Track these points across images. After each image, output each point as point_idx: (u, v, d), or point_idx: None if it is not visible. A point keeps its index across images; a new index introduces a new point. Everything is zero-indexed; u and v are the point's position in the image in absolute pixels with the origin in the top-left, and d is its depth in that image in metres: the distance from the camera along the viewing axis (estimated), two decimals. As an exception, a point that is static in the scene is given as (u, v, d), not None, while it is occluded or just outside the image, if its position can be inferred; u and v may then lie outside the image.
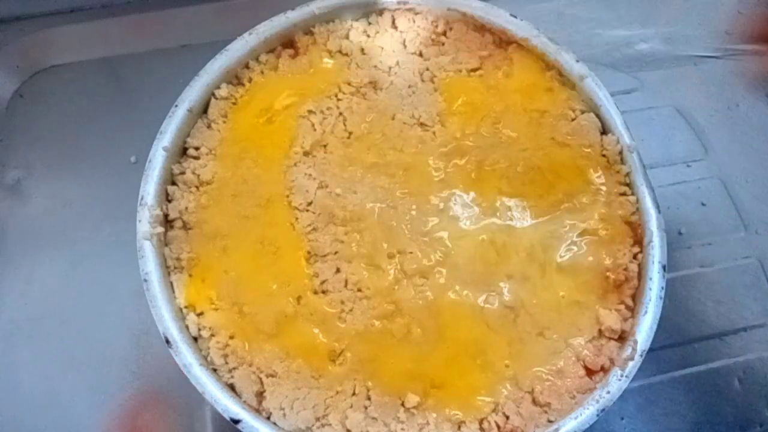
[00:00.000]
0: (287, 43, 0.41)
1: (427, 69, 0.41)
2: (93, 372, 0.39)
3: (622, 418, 0.40)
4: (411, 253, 0.36)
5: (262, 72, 0.40)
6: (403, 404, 0.33)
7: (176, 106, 0.37)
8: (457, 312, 0.35)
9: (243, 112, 0.39)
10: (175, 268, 0.35)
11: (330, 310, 0.35)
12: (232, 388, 0.33)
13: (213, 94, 0.39)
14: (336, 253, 0.36)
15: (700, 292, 0.41)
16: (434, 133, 0.39)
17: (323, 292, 0.35)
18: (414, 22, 0.42)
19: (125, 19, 0.48)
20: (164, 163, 0.36)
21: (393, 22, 0.42)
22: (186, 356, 0.33)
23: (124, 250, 0.40)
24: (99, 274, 0.42)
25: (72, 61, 0.48)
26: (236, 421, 0.31)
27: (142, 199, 0.35)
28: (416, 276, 0.36)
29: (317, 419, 0.33)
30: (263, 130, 0.38)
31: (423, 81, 0.41)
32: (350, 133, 0.39)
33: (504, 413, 0.33)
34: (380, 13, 0.42)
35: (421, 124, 0.39)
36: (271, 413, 0.33)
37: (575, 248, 0.36)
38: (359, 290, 0.35)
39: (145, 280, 0.34)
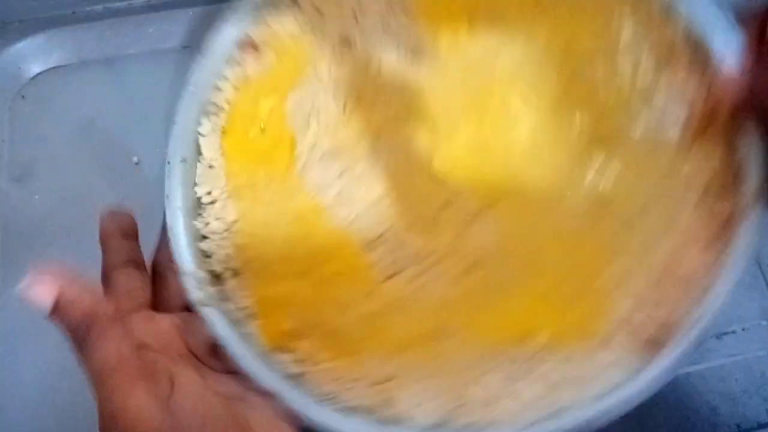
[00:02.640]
0: (244, 44, 0.38)
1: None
2: None
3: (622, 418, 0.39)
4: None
5: (235, 88, 0.38)
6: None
7: (169, 162, 0.36)
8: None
9: (234, 136, 0.37)
10: (245, 318, 0.33)
11: (408, 287, 0.33)
12: (354, 409, 0.31)
13: (198, 133, 0.37)
14: (382, 235, 0.34)
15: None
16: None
17: (391, 276, 0.33)
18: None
19: (126, 20, 0.48)
20: (185, 223, 0.35)
21: None
22: (306, 404, 0.30)
23: None
24: (100, 275, 0.40)
25: (73, 62, 0.47)
26: None
27: (181, 268, 0.33)
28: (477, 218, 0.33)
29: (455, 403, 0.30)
30: (261, 145, 0.37)
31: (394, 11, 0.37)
32: (344, 104, 0.37)
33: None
34: None
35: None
36: (406, 411, 0.31)
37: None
38: (426, 258, 0.33)
39: (232, 354, 0.31)
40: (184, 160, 0.36)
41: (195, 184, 0.36)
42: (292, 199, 0.35)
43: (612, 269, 0.31)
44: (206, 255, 0.35)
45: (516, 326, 0.31)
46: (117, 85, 0.47)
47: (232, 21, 0.37)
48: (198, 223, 0.35)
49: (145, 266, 0.33)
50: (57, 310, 0.26)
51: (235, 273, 0.35)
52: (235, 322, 0.33)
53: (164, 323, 0.30)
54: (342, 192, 0.35)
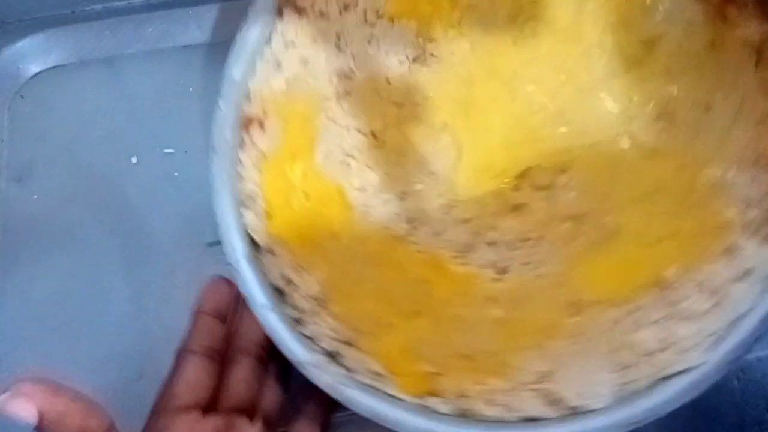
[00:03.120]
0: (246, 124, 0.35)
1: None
2: (93, 372, 0.37)
3: None
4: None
5: (258, 170, 0.35)
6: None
7: (233, 265, 0.33)
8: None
9: (280, 215, 0.34)
10: (381, 382, 0.31)
11: (524, 275, 0.30)
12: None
13: (245, 227, 0.34)
14: (472, 242, 0.32)
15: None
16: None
17: (503, 272, 0.31)
18: None
19: (125, 20, 0.47)
20: (277, 317, 0.32)
21: None
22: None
23: (125, 251, 0.41)
24: (100, 275, 0.42)
25: (72, 62, 0.47)
26: None
27: (297, 361, 0.31)
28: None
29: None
30: (311, 210, 0.34)
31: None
32: (371, 131, 0.34)
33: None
34: None
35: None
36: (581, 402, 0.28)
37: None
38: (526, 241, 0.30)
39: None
40: (246, 258, 0.33)
41: (266, 276, 0.34)
42: (367, 244, 0.33)
43: (703, 178, 0.29)
44: (309, 337, 0.33)
45: (644, 271, 0.28)
46: (116, 85, 0.46)
47: (224, 101, 0.36)
48: (289, 311, 0.33)
49: (219, 354, 0.32)
50: (44, 429, 0.23)
51: (348, 343, 0.32)
52: (377, 391, 0.31)
53: (207, 427, 0.29)
54: (413, 217, 0.33)
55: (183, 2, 0.47)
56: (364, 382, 0.31)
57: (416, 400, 0.31)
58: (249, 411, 0.31)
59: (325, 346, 0.32)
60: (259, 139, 0.35)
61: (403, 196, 0.33)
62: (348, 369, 0.32)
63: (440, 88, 0.33)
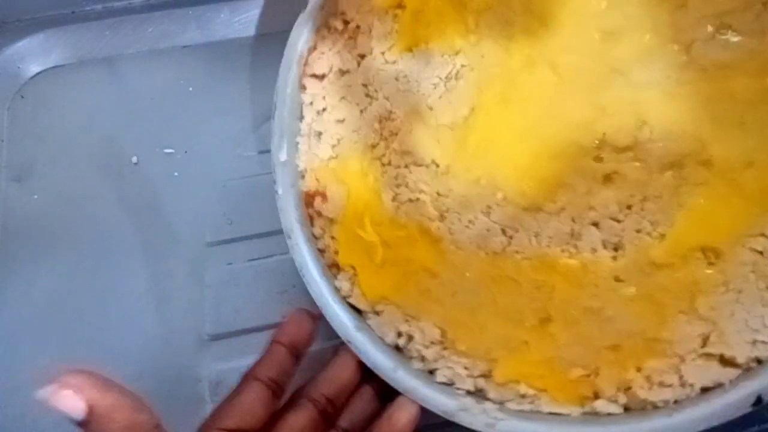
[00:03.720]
0: (308, 200, 0.35)
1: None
2: None
3: None
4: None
5: (332, 237, 0.34)
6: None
7: (337, 325, 0.32)
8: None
9: (369, 278, 0.34)
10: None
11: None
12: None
13: (341, 299, 0.33)
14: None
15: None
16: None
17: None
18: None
19: (125, 20, 0.47)
20: (371, 342, 0.32)
21: None
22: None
23: (125, 251, 0.41)
24: (100, 275, 0.41)
25: (72, 62, 0.47)
26: None
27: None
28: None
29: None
30: (396, 262, 0.34)
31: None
32: (432, 159, 0.34)
33: None
34: None
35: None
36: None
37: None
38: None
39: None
40: (357, 327, 0.33)
41: (382, 339, 0.33)
42: (470, 270, 0.32)
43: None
44: (448, 384, 0.32)
45: (761, 193, 0.27)
46: (116, 85, 0.46)
47: (280, 186, 0.36)
48: (417, 365, 0.32)
49: (281, 389, 0.30)
50: (90, 423, 0.22)
51: (487, 375, 0.31)
52: (536, 414, 0.29)
53: None
54: (506, 226, 0.31)
55: (183, 2, 0.47)
56: (519, 409, 0.30)
57: (579, 409, 0.29)
58: None
59: (466, 387, 0.31)
60: (324, 209, 0.35)
61: (487, 210, 0.31)
62: (498, 402, 0.30)
63: (484, 93, 0.32)
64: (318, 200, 0.35)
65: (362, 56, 0.36)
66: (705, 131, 0.27)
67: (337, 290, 0.34)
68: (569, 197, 0.29)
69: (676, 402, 0.27)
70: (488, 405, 0.30)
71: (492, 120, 0.31)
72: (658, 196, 0.28)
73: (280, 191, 0.35)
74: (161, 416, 0.25)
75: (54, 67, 0.47)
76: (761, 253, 0.26)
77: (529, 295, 0.30)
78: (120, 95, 0.45)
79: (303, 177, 0.36)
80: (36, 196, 0.44)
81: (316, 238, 0.35)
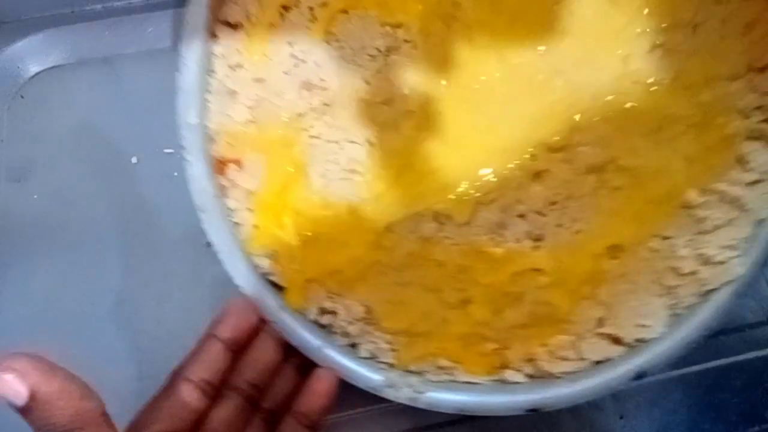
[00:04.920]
0: (220, 168, 0.32)
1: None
2: (93, 373, 0.39)
3: (621, 417, 0.38)
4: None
5: (250, 210, 0.32)
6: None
7: (261, 303, 0.31)
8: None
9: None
10: None
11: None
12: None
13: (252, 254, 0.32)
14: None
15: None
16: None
17: None
18: None
19: (125, 20, 0.46)
20: (296, 320, 0.31)
21: None
22: None
23: (125, 251, 0.41)
24: (99, 274, 0.42)
25: (72, 62, 0.47)
26: None
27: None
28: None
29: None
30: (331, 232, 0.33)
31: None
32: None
33: None
34: None
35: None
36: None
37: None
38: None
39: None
40: (282, 307, 0.32)
41: (306, 316, 0.33)
42: (398, 251, 0.32)
43: (703, 97, 0.29)
44: (370, 358, 0.33)
45: (669, 200, 0.29)
46: (116, 85, 0.45)
47: (189, 153, 0.32)
48: (340, 341, 0.32)
49: (217, 392, 0.29)
50: (33, 410, 0.21)
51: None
52: (453, 383, 0.32)
53: None
54: (437, 213, 0.32)
55: (183, 2, 0.41)
56: (438, 380, 0.32)
57: (489, 378, 0.32)
58: None
59: (388, 360, 0.32)
60: (240, 179, 0.32)
61: (420, 196, 0.31)
62: (418, 373, 0.32)
63: (427, 74, 0.30)
64: (232, 168, 0.32)
65: (286, 8, 0.31)
66: (627, 140, 0.30)
67: (257, 268, 0.32)
68: (501, 190, 0.31)
69: (572, 373, 0.31)
70: (412, 379, 0.32)
71: (432, 104, 0.30)
72: (580, 196, 0.30)
73: (189, 157, 0.31)
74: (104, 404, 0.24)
75: (53, 67, 0.46)
76: (656, 251, 0.30)
77: (454, 278, 0.32)
78: (120, 95, 0.45)
79: (214, 141, 0.32)
80: (35, 196, 0.44)
81: (231, 210, 0.32)
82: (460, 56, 0.30)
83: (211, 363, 0.29)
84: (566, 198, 0.30)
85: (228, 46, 0.31)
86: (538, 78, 0.29)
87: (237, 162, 0.32)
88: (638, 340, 0.31)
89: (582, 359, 0.31)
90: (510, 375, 0.32)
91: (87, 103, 0.45)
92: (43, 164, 0.44)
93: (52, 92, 0.46)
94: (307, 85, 0.31)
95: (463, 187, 0.31)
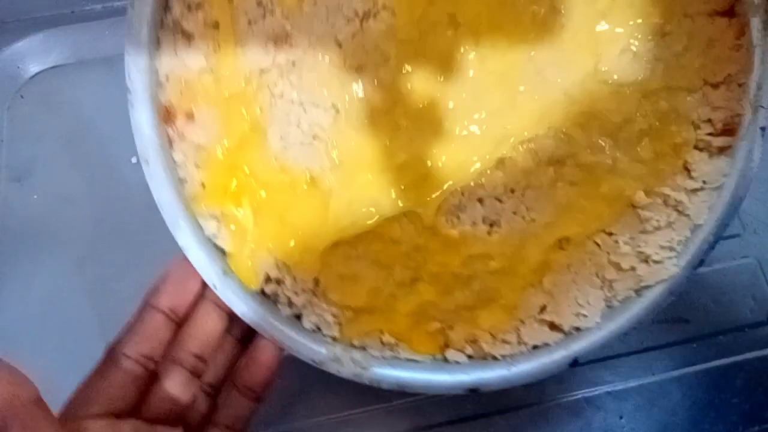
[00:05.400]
0: (167, 118, 0.30)
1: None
2: None
3: (621, 417, 0.38)
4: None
5: (198, 166, 0.30)
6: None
7: (199, 267, 0.29)
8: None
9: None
10: None
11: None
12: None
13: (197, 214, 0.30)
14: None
15: (698, 292, 0.42)
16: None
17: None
18: None
19: (125, 20, 0.39)
20: (238, 286, 0.30)
21: None
22: None
23: (125, 251, 0.41)
24: (99, 275, 0.42)
25: (72, 62, 0.47)
26: None
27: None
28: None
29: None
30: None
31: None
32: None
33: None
34: None
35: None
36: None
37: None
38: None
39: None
40: (223, 271, 0.30)
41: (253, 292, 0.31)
42: (353, 226, 0.32)
43: (662, 105, 0.30)
44: (314, 330, 0.32)
45: (617, 200, 0.30)
46: (116, 85, 0.41)
47: (134, 96, 0.28)
48: (285, 310, 0.31)
49: (156, 365, 0.28)
50: None
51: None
52: (397, 360, 0.32)
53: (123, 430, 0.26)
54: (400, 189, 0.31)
55: None
56: (381, 356, 0.32)
57: (431, 357, 0.32)
58: (171, 424, 0.28)
59: (332, 333, 0.32)
60: (190, 132, 0.30)
61: (385, 169, 0.30)
62: (361, 347, 0.32)
63: (403, 46, 0.29)
64: (181, 119, 0.30)
65: (256, -52, 0.29)
66: (588, 138, 0.30)
67: (200, 228, 0.30)
68: (461, 174, 0.30)
69: (512, 356, 0.32)
70: (356, 354, 0.31)
71: (404, 81, 0.29)
72: (539, 186, 0.31)
73: (134, 101, 0.28)
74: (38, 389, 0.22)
75: (53, 67, 0.47)
76: (599, 246, 0.31)
77: (407, 255, 0.31)
78: (120, 95, 0.38)
79: (162, 86, 0.29)
80: (35, 196, 0.44)
81: (176, 164, 0.30)
82: (437, 33, 0.29)
83: (151, 336, 0.27)
84: (525, 187, 0.31)
85: (186, -18, 0.28)
86: (513, 73, 0.29)
87: (188, 114, 0.29)
88: (575, 328, 0.32)
89: (522, 343, 0.32)
90: (452, 354, 0.32)
91: (87, 103, 0.46)
92: (43, 164, 0.44)
93: (52, 92, 0.46)
94: (274, 39, 0.29)
95: (431, 163, 0.30)
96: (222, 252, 0.30)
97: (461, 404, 0.34)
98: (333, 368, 0.31)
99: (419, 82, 0.29)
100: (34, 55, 0.47)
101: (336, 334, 0.32)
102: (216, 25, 0.29)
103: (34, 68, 0.47)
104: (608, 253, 0.32)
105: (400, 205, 0.30)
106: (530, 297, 0.32)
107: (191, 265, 0.28)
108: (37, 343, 0.41)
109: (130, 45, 0.27)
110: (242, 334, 0.31)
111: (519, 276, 0.32)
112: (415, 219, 0.31)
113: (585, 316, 0.32)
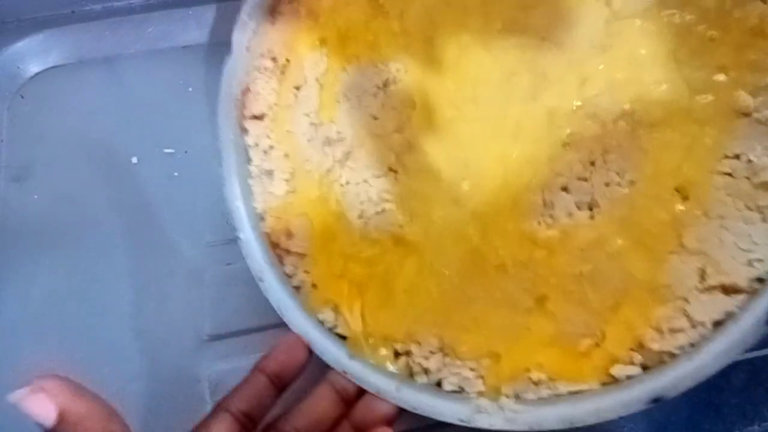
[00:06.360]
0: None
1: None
2: (94, 372, 0.33)
3: (621, 417, 0.35)
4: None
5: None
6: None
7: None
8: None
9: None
10: None
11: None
12: None
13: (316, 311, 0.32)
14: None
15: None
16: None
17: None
18: None
19: (125, 20, 0.46)
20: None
21: None
22: None
23: (125, 251, 0.40)
24: (100, 275, 0.41)
25: (72, 62, 0.46)
26: None
27: None
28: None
29: None
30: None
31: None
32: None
33: None
34: None
35: None
36: None
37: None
38: None
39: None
40: (351, 357, 0.30)
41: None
42: (448, 270, 0.30)
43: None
44: None
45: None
46: (116, 85, 0.45)
47: (243, 233, 0.34)
48: (420, 379, 0.30)
49: (255, 426, 0.28)
50: (60, 430, 0.21)
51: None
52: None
53: None
54: (480, 219, 0.30)
55: (183, 2, 0.46)
56: (537, 397, 0.28)
57: (598, 380, 0.27)
58: None
59: (477, 389, 0.29)
60: (292, 245, 0.33)
61: (455, 202, 0.30)
62: (513, 396, 0.28)
63: (425, 89, 0.31)
64: (283, 238, 0.34)
65: (298, 88, 0.35)
66: (643, 72, 0.27)
67: (321, 323, 0.32)
68: (534, 169, 0.29)
69: (692, 345, 0.25)
70: (504, 401, 0.28)
71: (439, 112, 0.31)
72: (618, 145, 0.28)
73: (241, 236, 0.33)
74: (132, 428, 0.23)
75: (54, 67, 0.47)
76: (730, 174, 0.26)
77: (518, 277, 0.29)
78: (120, 95, 0.45)
79: (263, 219, 0.34)
80: (35, 196, 0.43)
81: (289, 276, 0.33)
82: (449, 59, 0.31)
83: (252, 395, 0.28)
84: (603, 153, 0.28)
85: (258, 135, 0.35)
86: (527, 52, 0.29)
87: (287, 232, 0.34)
88: (757, 280, 0.25)
89: (697, 325, 0.26)
90: (619, 370, 0.27)
91: (87, 103, 0.45)
92: (43, 164, 0.44)
93: (52, 92, 0.46)
94: (328, 142, 0.34)
95: (497, 176, 0.29)
96: (344, 339, 0.31)
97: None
98: (484, 422, 0.27)
99: (452, 108, 0.31)
100: (35, 55, 0.47)
101: (481, 388, 0.29)
102: (287, 155, 0.35)
103: (34, 68, 0.47)
104: (747, 177, 0.26)
105: (483, 221, 0.29)
106: (678, 266, 0.26)
107: (301, 338, 0.29)
108: (37, 343, 0.39)
109: (228, 195, 0.34)
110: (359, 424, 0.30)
111: (650, 248, 0.27)
112: (505, 234, 0.29)
113: (761, 260, 0.25)
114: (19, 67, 0.46)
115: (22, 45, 0.46)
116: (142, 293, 0.37)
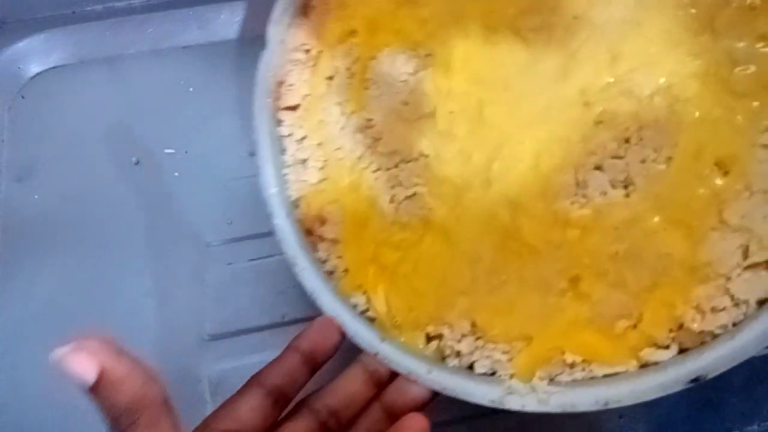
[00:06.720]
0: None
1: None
2: None
3: (621, 417, 0.37)
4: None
5: None
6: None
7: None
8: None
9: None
10: None
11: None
12: None
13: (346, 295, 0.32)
14: None
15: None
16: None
17: None
18: None
19: (126, 20, 0.47)
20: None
21: None
22: None
23: (125, 251, 0.40)
24: (101, 275, 0.41)
25: (73, 62, 0.46)
26: None
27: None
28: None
29: None
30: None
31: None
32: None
33: None
34: None
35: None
36: None
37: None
38: None
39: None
40: (383, 340, 0.30)
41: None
42: (480, 253, 0.30)
43: None
44: None
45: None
46: (117, 85, 0.46)
47: (278, 219, 0.34)
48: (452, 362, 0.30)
49: (287, 403, 0.28)
50: (99, 389, 0.21)
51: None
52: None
53: None
54: (511, 201, 0.30)
55: (183, 2, 0.47)
56: (572, 379, 0.27)
57: (635, 363, 0.26)
58: None
59: (509, 371, 0.28)
60: (325, 232, 0.34)
61: (486, 184, 0.30)
62: (547, 378, 0.27)
63: (455, 74, 0.32)
64: (317, 225, 0.34)
65: (330, 78, 0.36)
66: (679, 45, 0.27)
67: (354, 307, 0.32)
68: (566, 149, 0.28)
69: (734, 324, 0.24)
70: (536, 382, 0.27)
71: (469, 97, 0.31)
72: (654, 120, 0.27)
73: (276, 221, 0.34)
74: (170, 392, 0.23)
75: (55, 68, 0.47)
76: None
77: (551, 258, 0.28)
78: (121, 95, 0.46)
79: (297, 206, 0.35)
80: (37, 196, 0.44)
81: (322, 262, 0.34)
82: (477, 44, 0.31)
83: (284, 371, 0.28)
84: (639, 129, 0.27)
85: (292, 125, 0.36)
86: (557, 32, 0.29)
87: (320, 219, 0.34)
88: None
89: (741, 303, 0.25)
90: (656, 353, 0.26)
91: (88, 103, 0.45)
92: (44, 164, 0.44)
93: (53, 93, 0.46)
94: (359, 129, 0.34)
95: (528, 158, 0.29)
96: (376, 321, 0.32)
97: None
98: (516, 404, 0.27)
99: (482, 92, 0.31)
100: (36, 55, 0.47)
101: (513, 370, 0.28)
102: (320, 144, 0.35)
103: (35, 68, 0.47)
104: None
105: (515, 203, 0.29)
106: (720, 243, 0.26)
107: (335, 321, 0.30)
108: (39, 343, 0.38)
109: (266, 187, 0.35)
110: (390, 407, 0.29)
111: (689, 225, 0.26)
112: (537, 215, 0.29)
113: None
114: (20, 68, 0.47)
115: (23, 45, 0.47)
116: (142, 293, 0.37)
